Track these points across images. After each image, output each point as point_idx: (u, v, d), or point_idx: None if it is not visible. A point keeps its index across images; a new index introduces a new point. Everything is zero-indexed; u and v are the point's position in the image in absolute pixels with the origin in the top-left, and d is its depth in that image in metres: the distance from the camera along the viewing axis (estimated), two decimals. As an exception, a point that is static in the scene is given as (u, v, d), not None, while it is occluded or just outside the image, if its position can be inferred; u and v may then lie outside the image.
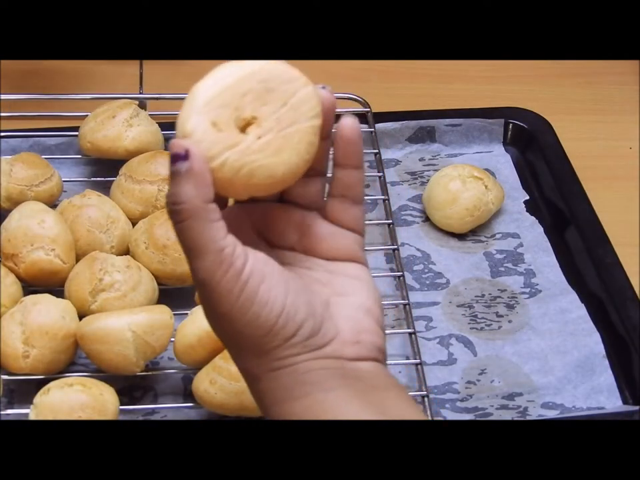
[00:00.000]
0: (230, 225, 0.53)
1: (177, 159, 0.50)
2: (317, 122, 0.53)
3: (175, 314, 0.81)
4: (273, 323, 0.52)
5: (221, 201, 0.53)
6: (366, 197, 1.01)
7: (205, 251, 0.52)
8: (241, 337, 0.53)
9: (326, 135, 0.56)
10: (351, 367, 0.55)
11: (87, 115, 0.98)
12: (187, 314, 0.82)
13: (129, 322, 0.78)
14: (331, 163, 0.58)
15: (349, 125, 0.56)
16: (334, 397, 0.53)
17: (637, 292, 0.90)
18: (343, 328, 0.56)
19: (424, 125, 1.07)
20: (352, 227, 0.58)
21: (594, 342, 0.88)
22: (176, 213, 0.52)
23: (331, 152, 0.57)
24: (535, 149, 1.06)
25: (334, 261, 0.58)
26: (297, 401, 0.53)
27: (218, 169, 0.51)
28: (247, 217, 0.58)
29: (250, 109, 0.51)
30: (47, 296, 0.82)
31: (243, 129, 0.51)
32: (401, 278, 0.90)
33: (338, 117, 0.56)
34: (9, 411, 0.79)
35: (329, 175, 0.58)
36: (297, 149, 0.52)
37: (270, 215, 0.58)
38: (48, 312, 0.80)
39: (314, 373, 0.54)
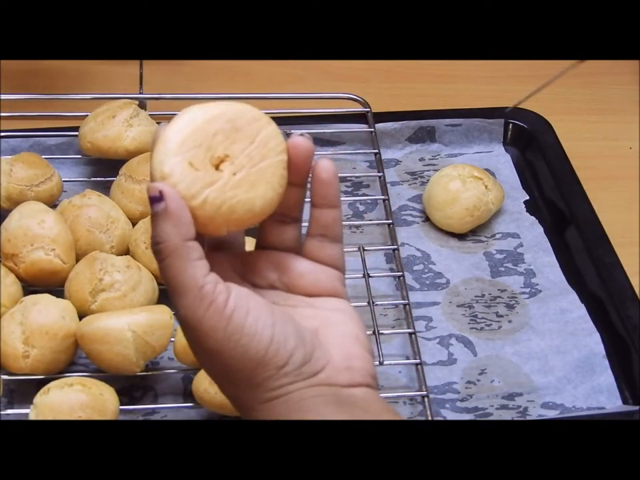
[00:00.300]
0: (212, 268, 0.53)
1: (153, 201, 0.52)
2: (284, 156, 0.55)
3: (175, 314, 0.81)
4: (264, 353, 0.53)
5: (201, 240, 0.54)
6: (366, 197, 1.01)
7: (185, 289, 0.52)
8: (232, 371, 0.54)
9: (302, 183, 0.57)
10: (345, 394, 0.55)
11: (87, 115, 0.98)
12: (187, 314, 0.82)
13: (129, 322, 0.78)
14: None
15: (325, 167, 0.57)
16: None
17: (637, 292, 0.90)
18: (334, 355, 0.56)
19: (424, 124, 1.07)
20: (332, 264, 0.59)
21: (594, 342, 0.88)
22: (157, 252, 0.53)
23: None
24: (535, 148, 1.06)
25: (316, 297, 0.59)
26: None
27: (199, 206, 0.52)
28: (227, 261, 0.58)
29: (222, 148, 0.53)
30: (46, 296, 0.82)
31: (217, 167, 0.53)
32: (401, 278, 0.90)
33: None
34: (9, 411, 0.79)
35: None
36: (270, 183, 0.54)
37: (249, 258, 0.59)
38: (48, 312, 0.80)
39: (308, 401, 0.54)
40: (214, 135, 0.53)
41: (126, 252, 0.89)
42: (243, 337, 0.53)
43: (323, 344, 0.56)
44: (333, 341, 0.57)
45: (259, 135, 0.54)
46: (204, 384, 0.78)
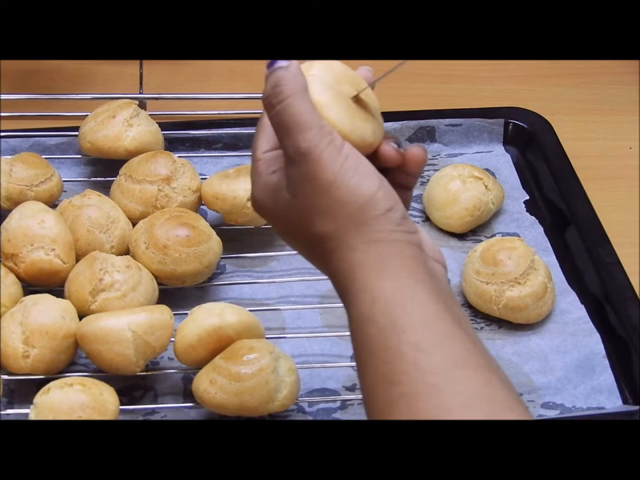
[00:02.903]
0: None
1: (274, 62, 0.59)
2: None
3: (175, 314, 0.81)
4: (375, 190, 0.57)
5: None
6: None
7: (308, 125, 0.57)
8: (343, 206, 0.57)
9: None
10: (430, 264, 0.59)
11: (87, 115, 0.98)
12: (187, 314, 0.82)
13: (129, 322, 0.78)
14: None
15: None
16: (423, 290, 0.56)
17: (637, 292, 0.90)
18: (421, 234, 0.61)
19: (424, 124, 1.07)
20: (406, 186, 0.63)
21: (594, 342, 0.88)
22: (277, 93, 0.57)
23: None
24: (534, 148, 1.06)
25: None
26: (389, 279, 0.56)
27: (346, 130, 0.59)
28: None
29: (352, 89, 0.62)
30: (47, 296, 0.82)
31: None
32: (401, 278, 0.90)
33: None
34: (9, 411, 0.79)
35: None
36: (378, 121, 0.63)
37: None
38: (48, 312, 0.80)
39: (408, 258, 0.57)
40: (344, 81, 0.62)
41: (126, 252, 0.89)
42: (357, 174, 0.57)
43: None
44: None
45: (373, 101, 0.63)
46: (204, 384, 0.78)
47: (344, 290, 0.58)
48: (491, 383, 0.53)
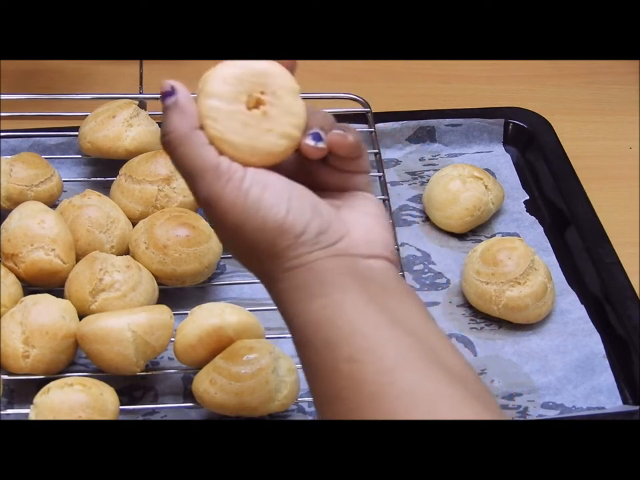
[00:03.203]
0: None
1: (165, 95, 0.56)
2: (300, 113, 0.59)
3: (175, 314, 0.81)
4: (281, 222, 0.55)
5: None
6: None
7: (202, 170, 0.55)
8: (254, 244, 0.56)
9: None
10: (363, 265, 0.57)
11: (87, 115, 0.98)
12: (187, 314, 0.82)
13: (129, 322, 0.78)
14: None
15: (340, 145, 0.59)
16: (350, 299, 0.55)
17: (637, 292, 0.90)
18: (354, 229, 0.58)
19: (424, 124, 1.07)
20: (356, 171, 0.61)
21: (594, 342, 0.88)
22: (168, 142, 0.56)
23: None
24: (534, 148, 1.06)
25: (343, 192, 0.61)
26: (314, 300, 0.55)
27: (226, 140, 0.57)
28: None
29: (256, 94, 0.58)
30: (47, 296, 0.82)
31: (250, 109, 0.58)
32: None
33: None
34: (9, 411, 0.79)
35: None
36: (285, 131, 0.58)
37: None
38: (48, 312, 0.80)
39: (329, 273, 0.56)
40: (243, 89, 0.58)
41: (126, 252, 0.89)
42: (261, 209, 0.55)
43: (343, 220, 0.58)
44: (354, 217, 0.59)
45: (281, 90, 0.59)
46: (204, 384, 0.78)
47: (283, 317, 0.58)
48: (435, 378, 0.52)
